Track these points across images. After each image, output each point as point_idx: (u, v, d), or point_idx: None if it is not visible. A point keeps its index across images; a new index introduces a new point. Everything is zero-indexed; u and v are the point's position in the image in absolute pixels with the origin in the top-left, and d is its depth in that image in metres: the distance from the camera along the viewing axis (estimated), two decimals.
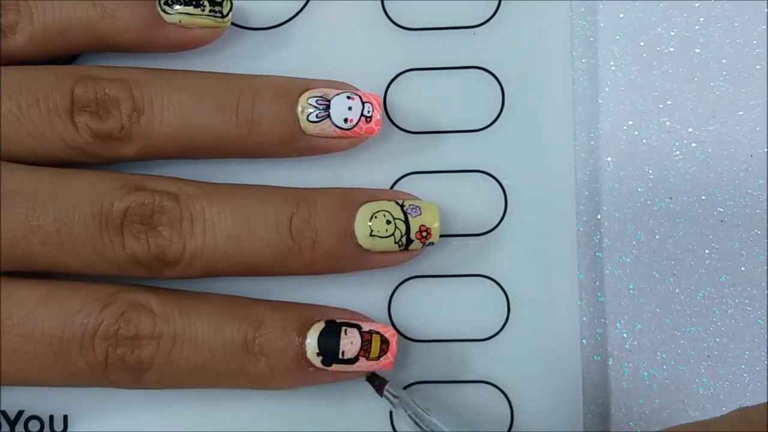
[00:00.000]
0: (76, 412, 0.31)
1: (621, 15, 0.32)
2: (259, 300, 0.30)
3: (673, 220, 0.32)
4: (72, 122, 0.28)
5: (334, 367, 0.29)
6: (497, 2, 0.31)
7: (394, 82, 0.32)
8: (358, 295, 0.31)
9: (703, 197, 0.32)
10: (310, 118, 0.29)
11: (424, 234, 0.29)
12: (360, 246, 0.29)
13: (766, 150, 0.32)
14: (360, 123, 0.29)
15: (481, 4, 0.31)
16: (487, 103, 0.31)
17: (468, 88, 0.32)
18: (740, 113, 0.32)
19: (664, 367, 0.31)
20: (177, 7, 0.29)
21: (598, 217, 0.32)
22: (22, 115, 0.28)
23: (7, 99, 0.28)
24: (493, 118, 0.31)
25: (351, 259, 0.29)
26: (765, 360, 0.31)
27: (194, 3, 0.29)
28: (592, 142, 0.32)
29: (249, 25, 0.32)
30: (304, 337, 0.29)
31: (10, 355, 0.27)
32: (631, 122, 0.32)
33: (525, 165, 0.31)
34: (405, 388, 0.31)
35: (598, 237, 0.32)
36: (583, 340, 0.31)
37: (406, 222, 0.29)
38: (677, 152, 0.32)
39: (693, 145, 0.32)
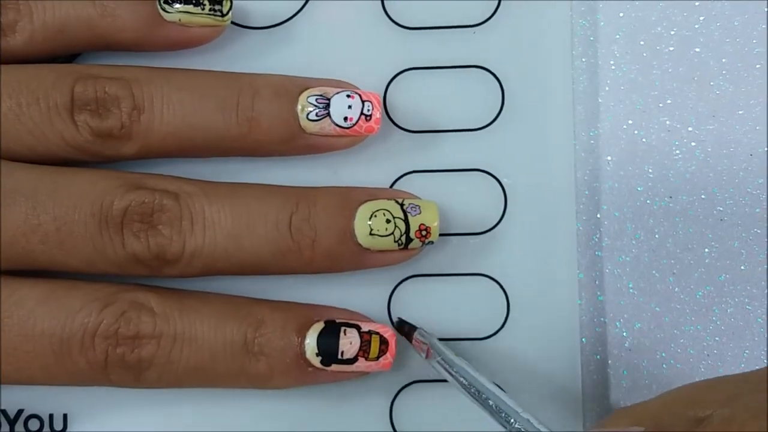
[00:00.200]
0: (76, 411, 0.31)
1: (621, 14, 0.32)
2: (259, 300, 0.30)
3: (673, 219, 0.32)
4: (72, 121, 0.28)
5: (334, 367, 0.29)
6: (497, 1, 0.31)
7: (394, 81, 0.32)
8: (357, 294, 0.31)
9: (702, 196, 0.32)
10: (310, 117, 0.29)
11: (424, 233, 0.29)
12: (359, 245, 0.29)
13: (765, 149, 0.32)
14: (360, 121, 0.29)
15: (481, 4, 0.31)
16: (487, 102, 0.31)
17: (468, 88, 0.31)
18: (740, 112, 0.32)
19: (664, 366, 0.31)
20: (177, 5, 0.29)
21: (598, 216, 0.32)
22: (22, 114, 0.28)
23: (7, 97, 0.28)
24: (493, 117, 0.31)
25: (350, 258, 0.29)
26: (765, 359, 0.31)
27: (194, 2, 0.29)
28: (592, 141, 0.32)
29: (249, 24, 0.32)
30: (304, 337, 0.29)
31: (10, 354, 0.27)
32: (631, 121, 0.32)
33: (525, 164, 0.31)
34: (404, 387, 0.31)
35: (597, 236, 0.32)
36: (583, 339, 0.31)
37: (406, 221, 0.29)
38: (677, 151, 0.32)
39: (693, 144, 0.32)
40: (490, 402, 0.27)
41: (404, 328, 0.30)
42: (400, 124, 0.31)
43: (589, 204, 0.32)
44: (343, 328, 0.29)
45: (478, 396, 0.27)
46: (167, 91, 0.29)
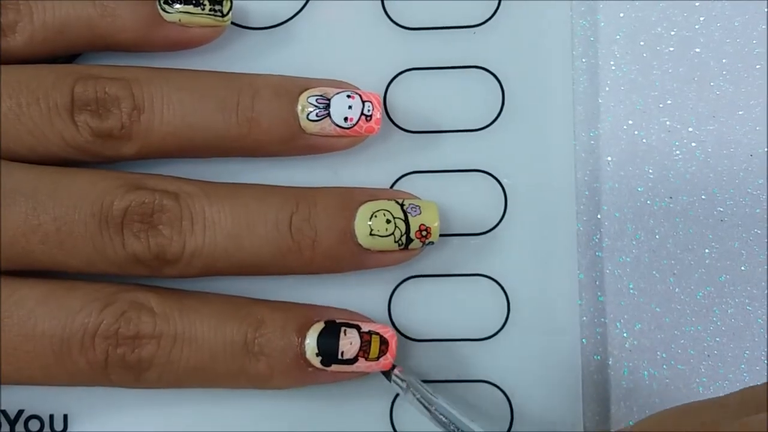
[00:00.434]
0: (77, 412, 0.31)
1: (621, 14, 0.32)
2: (259, 300, 0.30)
3: (673, 219, 0.32)
4: (72, 121, 0.28)
5: (334, 367, 0.29)
6: (497, 2, 0.31)
7: (394, 82, 0.32)
8: (357, 294, 0.31)
9: (703, 197, 0.32)
10: (310, 117, 0.29)
11: (424, 233, 0.29)
12: (360, 245, 0.29)
13: (766, 149, 0.32)
14: (360, 122, 0.29)
15: (482, 4, 0.31)
16: (487, 102, 0.31)
17: (468, 88, 0.32)
18: (740, 113, 0.32)
19: (664, 366, 0.31)
20: (177, 6, 0.29)
21: (599, 216, 0.32)
22: (22, 114, 0.28)
23: (7, 97, 0.28)
24: (493, 118, 0.31)
25: (351, 258, 0.29)
26: (765, 359, 0.31)
27: (194, 2, 0.29)
28: (592, 142, 0.32)
29: (249, 25, 0.32)
30: (304, 338, 0.29)
31: (10, 354, 0.27)
32: (631, 122, 0.32)
33: (525, 164, 0.31)
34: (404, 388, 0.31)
35: (598, 236, 0.32)
36: (583, 340, 0.31)
37: (406, 221, 0.29)
38: (677, 152, 0.32)
39: (693, 144, 0.32)
40: None
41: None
42: (400, 125, 0.32)
43: (590, 204, 0.32)
44: (343, 329, 0.29)
45: None
46: (167, 92, 0.29)
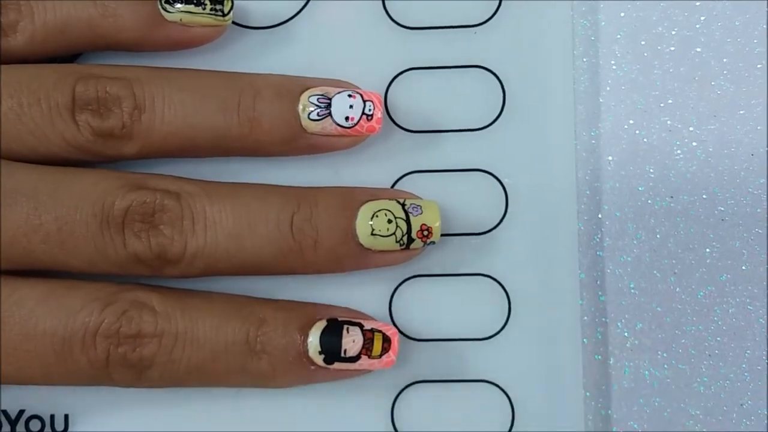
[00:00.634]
0: (77, 412, 0.31)
1: (622, 14, 0.32)
2: (261, 299, 0.30)
3: (674, 219, 0.32)
4: (73, 120, 0.28)
5: (336, 365, 0.29)
6: (498, 1, 0.31)
7: (395, 81, 0.32)
8: (359, 294, 0.31)
9: (704, 196, 0.32)
10: (312, 117, 0.29)
11: (426, 233, 0.29)
12: (361, 245, 0.29)
13: (766, 149, 0.32)
14: (361, 121, 0.29)
15: (483, 4, 0.31)
16: (488, 102, 0.31)
17: (469, 87, 0.32)
18: (741, 112, 0.32)
19: (665, 366, 0.31)
20: (178, 5, 0.29)
21: (599, 216, 0.32)
22: (23, 114, 0.28)
23: (8, 97, 0.28)
24: (494, 117, 0.31)
25: (352, 258, 0.29)
26: (765, 359, 0.31)
27: (195, 2, 0.29)
28: (593, 141, 0.32)
29: (250, 24, 0.32)
30: (306, 336, 0.29)
31: (11, 354, 0.28)
32: (632, 121, 0.32)
33: (526, 164, 0.31)
34: (406, 387, 0.31)
35: (599, 236, 0.32)
36: (584, 339, 0.31)
37: (407, 221, 0.29)
38: (678, 151, 0.32)
39: (694, 144, 0.32)
40: None
41: None
42: (401, 124, 0.32)
43: (591, 204, 0.32)
44: (345, 327, 0.29)
45: None
46: (168, 91, 0.29)
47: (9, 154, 0.29)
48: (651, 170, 0.32)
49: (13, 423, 0.31)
